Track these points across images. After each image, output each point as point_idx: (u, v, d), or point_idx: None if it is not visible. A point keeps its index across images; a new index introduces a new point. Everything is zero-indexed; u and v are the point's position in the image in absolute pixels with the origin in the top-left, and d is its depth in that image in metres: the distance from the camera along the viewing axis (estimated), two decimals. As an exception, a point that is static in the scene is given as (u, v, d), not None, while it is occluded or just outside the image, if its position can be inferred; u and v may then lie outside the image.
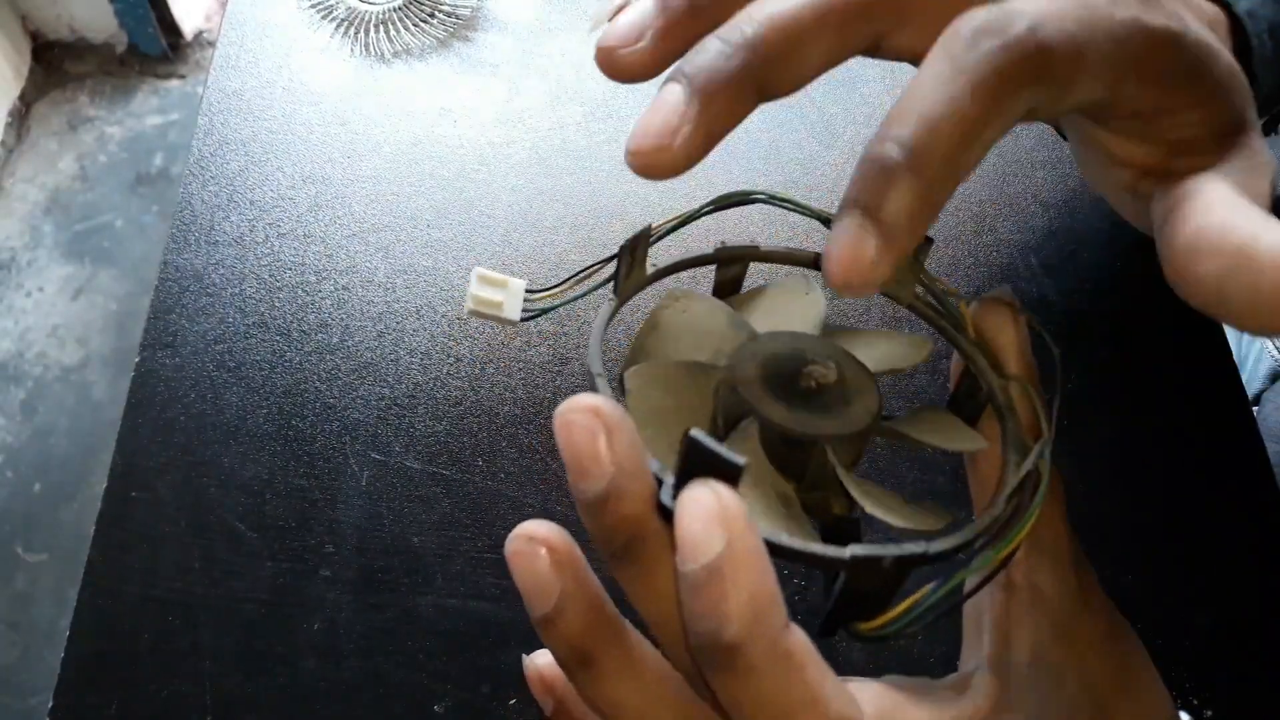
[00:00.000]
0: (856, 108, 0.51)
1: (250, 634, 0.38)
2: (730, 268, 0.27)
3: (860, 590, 0.20)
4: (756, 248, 0.27)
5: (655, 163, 0.21)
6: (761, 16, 0.21)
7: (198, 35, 1.73)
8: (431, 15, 0.53)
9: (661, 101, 0.21)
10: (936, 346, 0.27)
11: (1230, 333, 0.48)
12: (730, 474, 0.18)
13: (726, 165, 0.49)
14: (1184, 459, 0.41)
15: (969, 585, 0.21)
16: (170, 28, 1.68)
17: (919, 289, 0.26)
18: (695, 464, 0.18)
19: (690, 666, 0.20)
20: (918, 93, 0.21)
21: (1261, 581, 0.39)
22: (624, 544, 0.19)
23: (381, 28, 0.53)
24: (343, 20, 0.53)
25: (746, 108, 0.22)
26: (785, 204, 0.26)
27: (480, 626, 0.38)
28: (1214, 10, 0.29)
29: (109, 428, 1.37)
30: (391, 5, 0.53)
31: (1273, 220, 0.21)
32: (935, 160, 0.21)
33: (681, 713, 0.21)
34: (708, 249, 0.27)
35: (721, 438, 0.23)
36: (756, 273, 0.29)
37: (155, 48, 1.68)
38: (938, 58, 0.21)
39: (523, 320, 0.24)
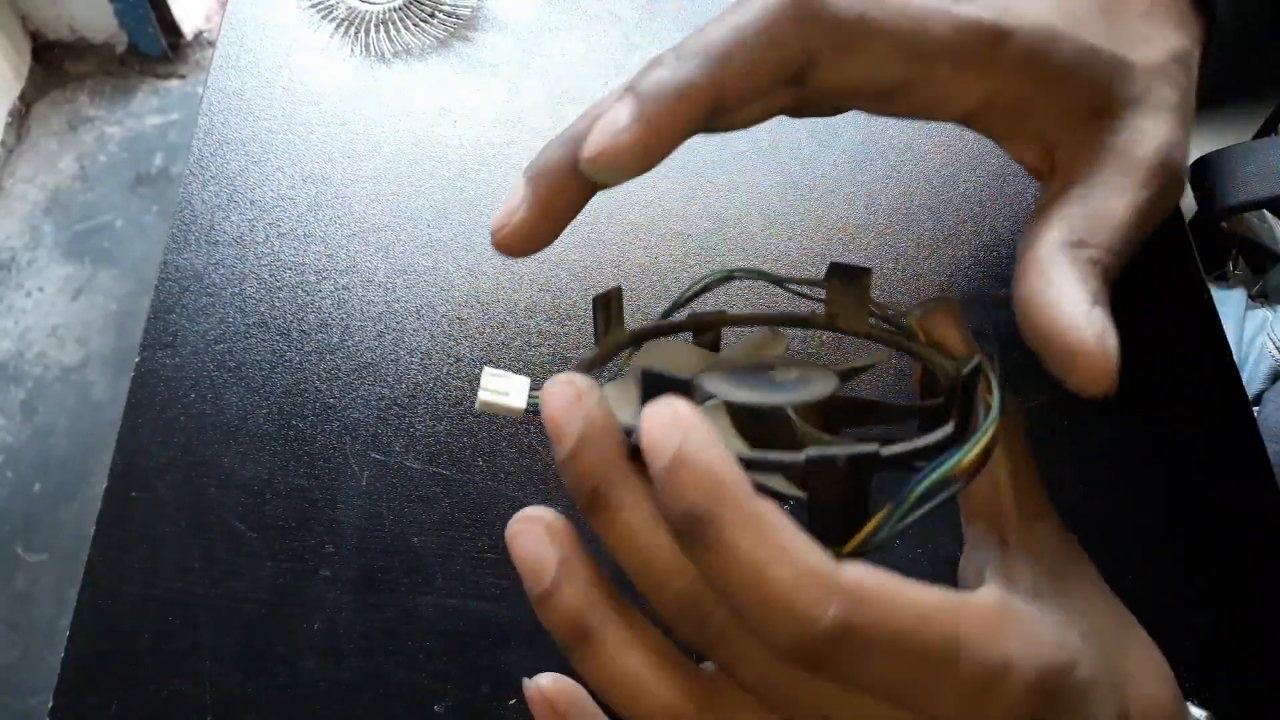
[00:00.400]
0: (856, 108, 0.51)
1: (250, 634, 0.38)
2: (705, 334, 0.30)
3: (825, 501, 0.21)
4: (724, 313, 0.30)
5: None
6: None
7: (198, 35, 1.73)
8: (431, 15, 0.53)
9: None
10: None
11: (1231, 332, 0.48)
12: (683, 389, 0.21)
13: (726, 166, 0.49)
14: (1184, 459, 0.41)
15: (933, 489, 0.22)
16: (170, 28, 1.68)
17: (870, 320, 0.28)
18: (652, 389, 0.21)
19: (678, 613, 0.21)
20: (699, 32, 0.24)
21: (1261, 581, 0.39)
22: (592, 490, 0.20)
23: (381, 28, 0.53)
24: (343, 20, 0.53)
25: (692, 126, 0.24)
26: (763, 278, 0.29)
27: (480, 626, 0.38)
28: None
29: (109, 428, 1.37)
30: (391, 5, 0.53)
31: (1080, 298, 0.25)
32: (699, 61, 0.23)
33: (679, 683, 0.21)
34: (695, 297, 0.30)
35: None
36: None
37: (155, 48, 1.68)
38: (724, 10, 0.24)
39: (528, 411, 0.27)
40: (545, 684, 0.24)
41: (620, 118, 0.23)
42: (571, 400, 0.21)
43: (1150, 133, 0.28)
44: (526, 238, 0.25)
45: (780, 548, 0.19)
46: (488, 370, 0.28)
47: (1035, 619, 0.22)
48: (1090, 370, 0.26)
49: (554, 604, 0.22)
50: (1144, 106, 0.28)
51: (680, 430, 0.19)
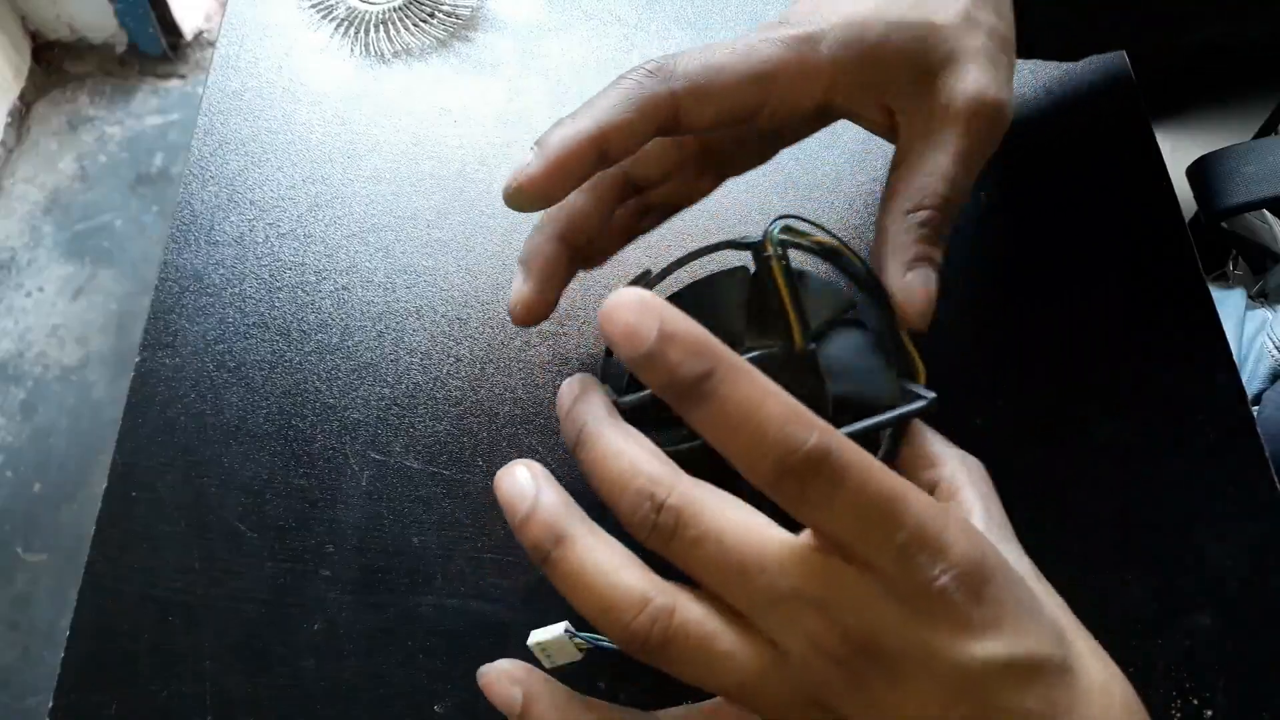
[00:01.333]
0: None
1: (250, 634, 0.38)
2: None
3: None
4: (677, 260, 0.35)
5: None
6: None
7: (198, 35, 1.73)
8: (431, 15, 0.53)
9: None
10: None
11: (1230, 332, 0.48)
12: (643, 280, 0.31)
13: (726, 165, 0.49)
14: (1184, 459, 0.41)
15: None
16: (170, 28, 1.68)
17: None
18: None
19: (654, 520, 0.25)
20: (591, 99, 0.31)
21: (1261, 581, 0.39)
22: (579, 431, 0.27)
23: (381, 28, 0.53)
24: (343, 20, 0.53)
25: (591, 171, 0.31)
26: (791, 241, 0.32)
27: (480, 626, 0.38)
28: None
29: (109, 428, 1.37)
30: (391, 5, 0.53)
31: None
32: (583, 122, 0.30)
33: (643, 573, 0.25)
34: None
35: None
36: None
37: (155, 48, 1.68)
38: (613, 82, 0.31)
39: (581, 652, 0.30)
40: (500, 665, 0.28)
41: (529, 162, 0.31)
42: (575, 383, 0.29)
43: (961, 84, 0.33)
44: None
45: (767, 390, 0.23)
46: (532, 644, 0.30)
47: (980, 531, 0.26)
48: (909, 317, 0.33)
49: (533, 517, 0.26)
50: (954, 60, 0.33)
51: (654, 310, 0.23)
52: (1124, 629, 0.38)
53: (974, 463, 0.32)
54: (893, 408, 0.30)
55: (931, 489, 0.32)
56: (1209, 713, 0.37)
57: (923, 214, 0.32)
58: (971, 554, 0.24)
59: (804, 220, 0.32)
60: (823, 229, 0.32)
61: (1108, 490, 0.40)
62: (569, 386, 0.28)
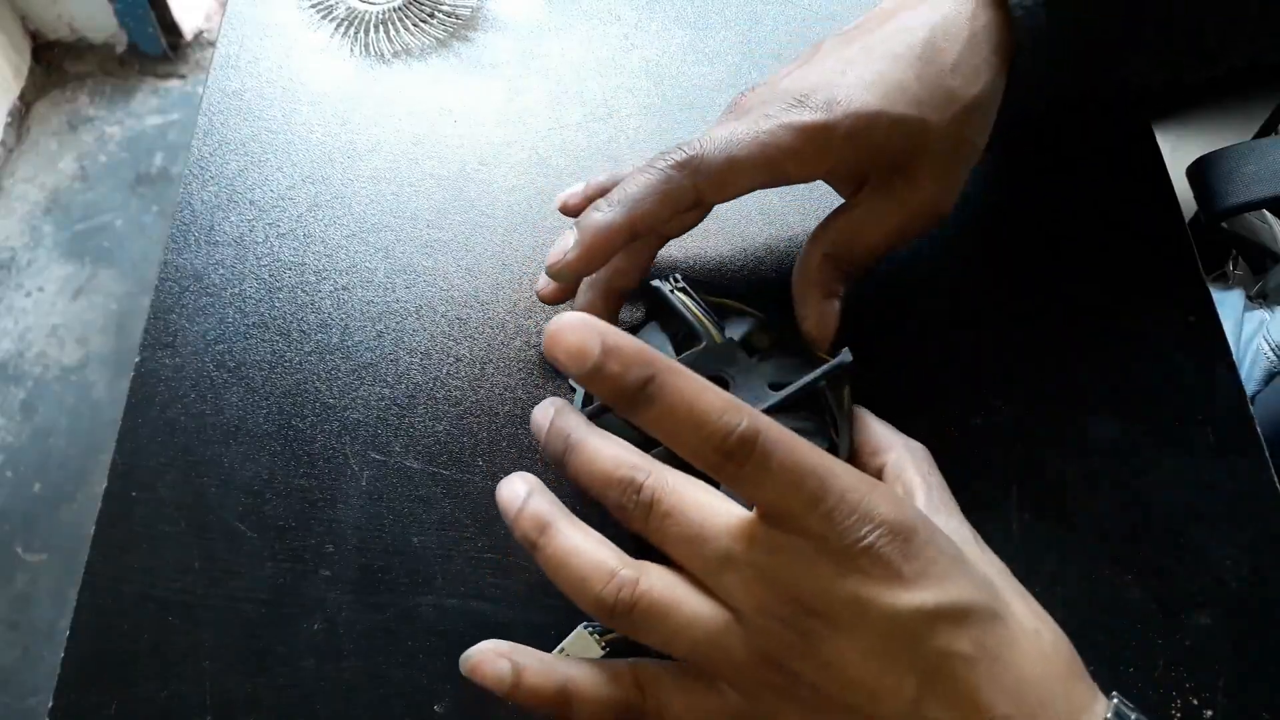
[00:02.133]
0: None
1: (250, 634, 0.38)
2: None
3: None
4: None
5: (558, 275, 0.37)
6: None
7: (198, 35, 1.73)
8: (431, 15, 0.53)
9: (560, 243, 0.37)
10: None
11: (1230, 334, 0.48)
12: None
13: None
14: (1184, 459, 0.41)
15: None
16: (170, 28, 1.68)
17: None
18: None
19: (637, 504, 0.28)
20: (624, 183, 0.36)
21: (1261, 581, 0.39)
22: (564, 440, 0.30)
23: (381, 28, 0.53)
24: (343, 20, 0.53)
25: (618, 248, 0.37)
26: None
27: (480, 626, 0.38)
28: (958, 4, 0.38)
29: (109, 428, 1.37)
30: (391, 5, 0.53)
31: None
32: (618, 210, 0.35)
33: (610, 548, 0.29)
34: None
35: None
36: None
37: (155, 48, 1.68)
38: (641, 166, 0.36)
39: (602, 648, 0.34)
40: (483, 646, 0.31)
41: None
42: (548, 405, 0.31)
43: (922, 187, 0.38)
44: (579, 274, 0.37)
45: (703, 386, 0.26)
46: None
47: (910, 503, 0.29)
48: (818, 338, 0.38)
49: (523, 513, 0.29)
50: (926, 162, 0.37)
51: (595, 329, 0.26)
52: (1124, 629, 0.38)
53: (918, 447, 0.36)
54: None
55: (878, 474, 0.35)
56: (1209, 713, 0.37)
57: (844, 266, 0.39)
58: (898, 516, 0.27)
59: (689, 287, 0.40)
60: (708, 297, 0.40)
61: (1108, 490, 0.40)
62: (543, 410, 0.31)
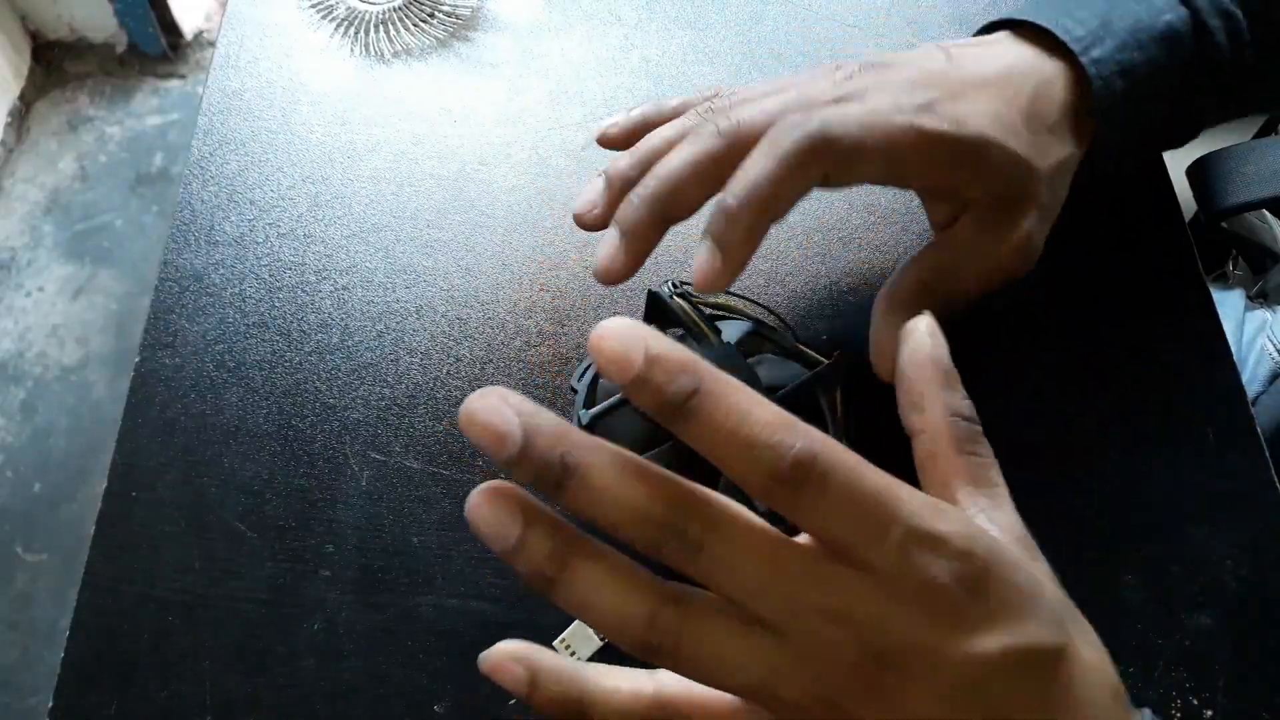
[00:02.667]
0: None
1: (250, 634, 0.38)
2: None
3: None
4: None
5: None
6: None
7: (198, 35, 1.73)
8: (431, 15, 0.53)
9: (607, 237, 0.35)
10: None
11: (1230, 334, 0.48)
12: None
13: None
14: (1184, 459, 0.41)
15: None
16: (170, 27, 1.68)
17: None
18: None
19: (660, 538, 0.24)
20: (749, 164, 0.33)
21: (1261, 581, 0.39)
22: (560, 463, 0.23)
23: (381, 28, 0.53)
24: (343, 20, 0.53)
25: (658, 233, 0.35)
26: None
27: (480, 626, 0.38)
28: (1054, 69, 0.39)
29: (109, 428, 1.37)
30: (391, 5, 0.53)
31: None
32: (753, 207, 0.33)
33: (647, 579, 0.25)
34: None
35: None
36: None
37: (155, 47, 1.68)
38: (763, 141, 0.34)
39: (604, 642, 0.36)
40: (502, 647, 0.27)
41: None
42: (498, 405, 0.23)
43: (1023, 228, 0.38)
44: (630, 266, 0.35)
45: (753, 400, 0.24)
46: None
47: (972, 521, 0.27)
48: (878, 368, 0.38)
49: (526, 548, 0.24)
50: (1031, 203, 0.38)
51: (639, 336, 0.23)
52: (1124, 629, 0.38)
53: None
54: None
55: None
56: (1209, 713, 0.37)
57: (937, 296, 0.38)
58: (967, 545, 0.25)
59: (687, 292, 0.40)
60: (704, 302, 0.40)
61: (1108, 490, 0.40)
62: (493, 412, 0.23)
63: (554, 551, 0.24)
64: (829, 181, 0.34)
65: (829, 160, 0.33)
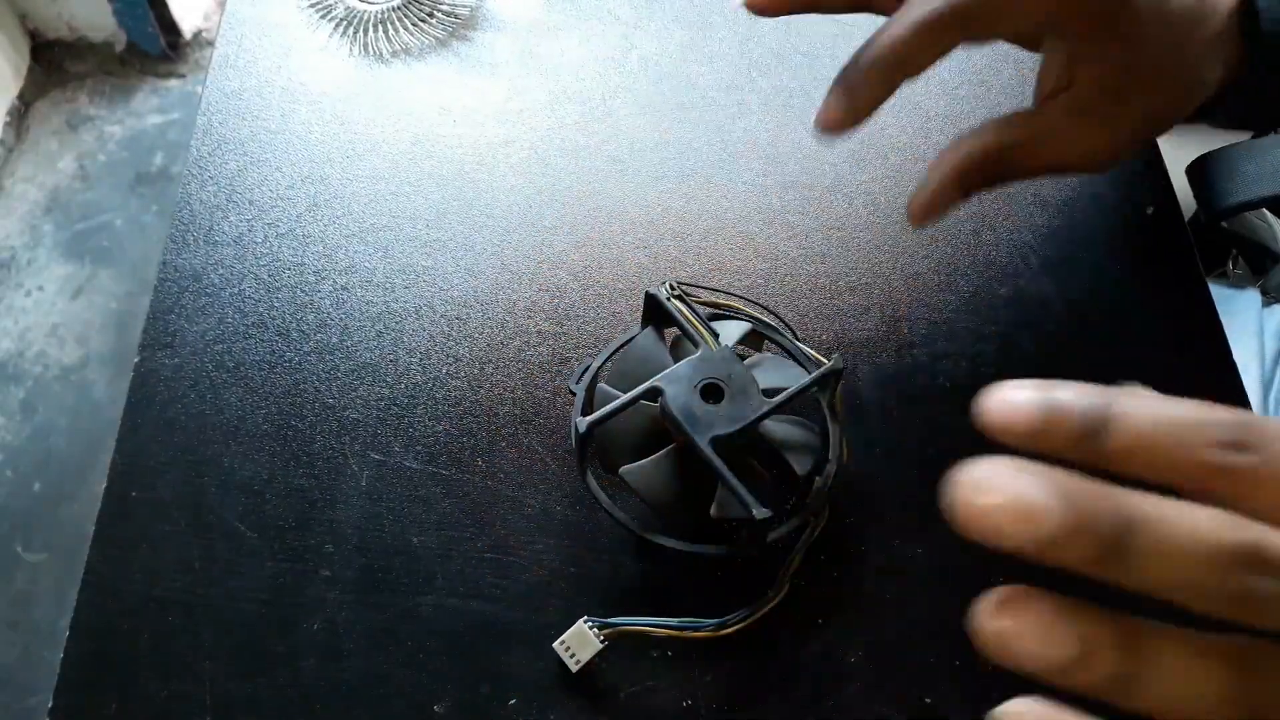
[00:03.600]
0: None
1: (250, 634, 0.38)
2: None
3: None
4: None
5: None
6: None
7: (197, 35, 1.73)
8: (431, 15, 0.53)
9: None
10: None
11: (1251, 331, 0.48)
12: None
13: (726, 166, 0.49)
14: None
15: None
16: (169, 27, 1.68)
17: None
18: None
19: (1239, 589, 0.19)
20: (893, 20, 0.33)
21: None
22: (1110, 529, 0.19)
23: (381, 28, 0.53)
24: (342, 20, 0.53)
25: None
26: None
27: (480, 626, 0.38)
28: None
29: (109, 428, 1.37)
30: (390, 5, 0.53)
31: None
32: (886, 64, 0.32)
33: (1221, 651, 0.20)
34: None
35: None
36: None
37: (155, 47, 1.68)
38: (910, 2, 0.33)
39: (602, 642, 0.36)
40: (1013, 706, 0.20)
41: (836, 103, 0.33)
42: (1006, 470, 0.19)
43: (1133, 121, 0.36)
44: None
45: (1162, 399, 0.21)
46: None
47: None
48: (911, 209, 0.36)
49: (1094, 657, 0.19)
50: (1155, 93, 0.35)
51: (1039, 392, 0.19)
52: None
53: None
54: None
55: None
56: (1209, 712, 0.36)
57: (996, 168, 0.36)
58: None
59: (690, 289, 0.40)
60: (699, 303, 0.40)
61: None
62: (1012, 475, 0.19)
63: (1121, 642, 0.19)
64: (975, 39, 0.34)
65: (972, 14, 0.32)
